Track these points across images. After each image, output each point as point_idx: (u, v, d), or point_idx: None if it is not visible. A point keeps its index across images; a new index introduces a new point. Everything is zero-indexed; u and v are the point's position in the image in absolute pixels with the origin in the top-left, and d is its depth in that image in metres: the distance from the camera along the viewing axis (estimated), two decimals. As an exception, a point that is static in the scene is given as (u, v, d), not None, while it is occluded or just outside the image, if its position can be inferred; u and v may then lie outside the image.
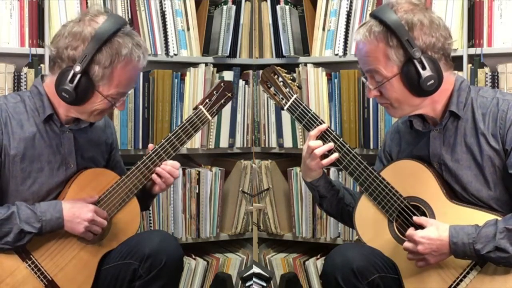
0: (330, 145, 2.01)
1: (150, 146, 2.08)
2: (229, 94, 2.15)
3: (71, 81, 1.87)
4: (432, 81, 1.82)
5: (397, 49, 1.82)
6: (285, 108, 2.11)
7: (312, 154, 2.01)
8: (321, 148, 2.01)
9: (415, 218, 1.88)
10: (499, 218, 1.81)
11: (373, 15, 1.87)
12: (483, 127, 1.87)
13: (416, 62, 1.81)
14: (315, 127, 2.04)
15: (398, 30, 1.80)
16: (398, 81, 1.85)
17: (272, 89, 2.16)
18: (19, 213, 1.87)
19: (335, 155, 2.01)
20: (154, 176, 2.05)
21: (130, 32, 1.93)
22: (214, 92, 2.14)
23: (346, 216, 2.16)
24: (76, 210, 1.92)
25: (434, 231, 1.81)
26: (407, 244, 1.84)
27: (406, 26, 1.81)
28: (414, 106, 1.90)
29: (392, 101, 1.89)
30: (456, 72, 2.05)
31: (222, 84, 2.15)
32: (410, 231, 1.84)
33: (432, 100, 1.89)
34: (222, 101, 2.14)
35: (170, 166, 2.06)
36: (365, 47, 1.86)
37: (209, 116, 2.11)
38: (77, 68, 1.87)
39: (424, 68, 1.81)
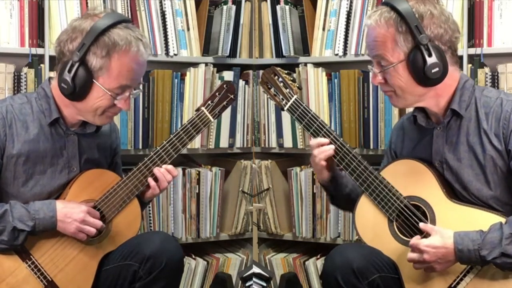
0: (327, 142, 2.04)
1: None
2: (231, 96, 2.14)
3: (69, 70, 1.88)
4: (437, 69, 1.83)
5: (406, 35, 1.84)
6: (285, 108, 2.12)
7: (312, 155, 2.05)
8: (319, 147, 2.04)
9: (421, 224, 1.87)
10: (501, 218, 1.81)
11: (385, 3, 1.89)
12: (486, 127, 1.88)
13: (422, 48, 1.82)
14: (315, 128, 2.05)
15: (408, 16, 1.83)
16: (404, 67, 1.86)
17: (272, 90, 2.16)
18: (12, 211, 1.88)
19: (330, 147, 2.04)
20: (149, 178, 2.04)
21: (130, 26, 1.94)
22: (217, 93, 2.13)
23: None
24: (68, 210, 1.91)
25: (438, 239, 1.81)
26: (412, 254, 1.84)
27: (417, 14, 1.84)
28: (417, 96, 1.90)
29: (396, 89, 1.90)
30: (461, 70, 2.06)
31: (224, 86, 2.14)
32: (415, 240, 1.84)
33: (435, 93, 1.90)
34: (225, 103, 2.13)
35: (164, 169, 2.05)
36: (375, 31, 1.88)
37: (211, 118, 2.11)
38: (75, 57, 1.87)
39: (430, 55, 1.83)
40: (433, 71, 1.83)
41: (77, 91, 1.89)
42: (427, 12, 1.85)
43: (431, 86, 1.87)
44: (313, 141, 2.06)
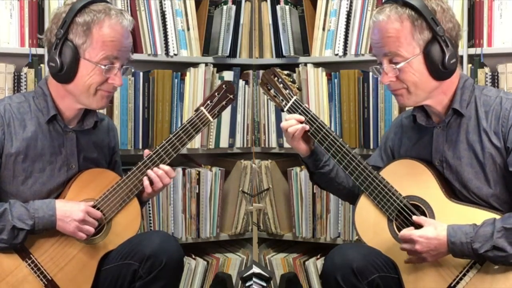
0: (300, 118, 2.06)
1: (146, 151, 2.08)
2: (231, 96, 2.14)
3: (55, 48, 1.90)
4: (454, 60, 1.84)
5: (422, 28, 1.84)
6: (285, 109, 2.12)
7: (287, 133, 2.07)
8: (292, 127, 2.05)
9: (414, 217, 1.89)
10: (498, 217, 1.81)
11: (393, 0, 1.88)
12: (486, 125, 1.88)
13: (440, 40, 1.82)
14: (315, 128, 2.05)
15: (423, 10, 1.83)
16: (419, 61, 1.85)
17: (272, 91, 2.16)
18: (11, 210, 1.88)
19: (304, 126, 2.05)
20: (144, 178, 2.03)
21: (108, 4, 1.96)
22: (216, 93, 2.13)
23: (336, 192, 2.27)
24: (67, 209, 1.92)
25: (432, 230, 1.82)
26: (404, 244, 1.86)
27: (429, 8, 1.84)
28: (428, 92, 1.89)
29: (409, 85, 1.88)
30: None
31: (224, 86, 2.14)
32: (406, 231, 1.85)
33: (442, 90, 1.90)
34: (224, 102, 2.13)
35: (162, 171, 2.04)
36: (387, 26, 1.86)
37: (210, 118, 2.11)
38: (59, 34, 1.89)
39: (447, 46, 1.83)
40: (451, 61, 1.84)
41: (66, 69, 1.90)
42: (438, 7, 1.86)
43: (445, 79, 1.87)
44: (284, 123, 2.07)
